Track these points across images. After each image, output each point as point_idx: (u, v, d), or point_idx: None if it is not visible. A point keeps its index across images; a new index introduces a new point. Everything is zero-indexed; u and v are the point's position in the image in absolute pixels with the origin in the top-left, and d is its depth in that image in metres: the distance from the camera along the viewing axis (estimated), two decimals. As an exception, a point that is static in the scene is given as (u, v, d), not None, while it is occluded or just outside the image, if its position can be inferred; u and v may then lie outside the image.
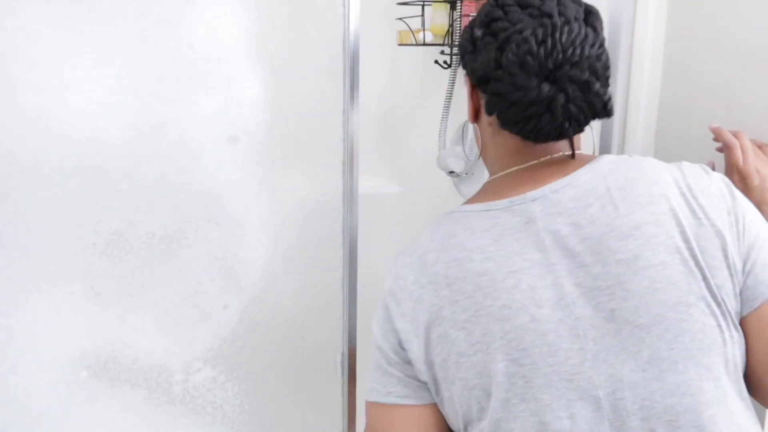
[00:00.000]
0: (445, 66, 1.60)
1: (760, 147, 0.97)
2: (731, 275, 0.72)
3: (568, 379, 0.70)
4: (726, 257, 0.72)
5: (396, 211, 1.82)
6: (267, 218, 1.24)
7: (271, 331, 1.29)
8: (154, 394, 1.22)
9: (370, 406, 0.82)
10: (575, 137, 0.81)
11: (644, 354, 0.69)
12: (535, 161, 0.80)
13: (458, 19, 1.50)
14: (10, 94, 1.03)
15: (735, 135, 0.96)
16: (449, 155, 1.46)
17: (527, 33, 0.73)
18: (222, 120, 1.17)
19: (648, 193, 0.74)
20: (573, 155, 0.80)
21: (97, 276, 1.14)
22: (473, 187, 1.04)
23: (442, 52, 1.63)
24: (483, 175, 1.17)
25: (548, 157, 0.80)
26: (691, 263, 0.71)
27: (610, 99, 0.76)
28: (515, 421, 0.71)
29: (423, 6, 1.52)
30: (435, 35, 1.54)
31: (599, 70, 0.74)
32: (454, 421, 0.77)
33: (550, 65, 0.72)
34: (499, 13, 0.77)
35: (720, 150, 0.99)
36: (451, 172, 1.47)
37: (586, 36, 0.74)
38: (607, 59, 0.77)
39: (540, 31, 0.73)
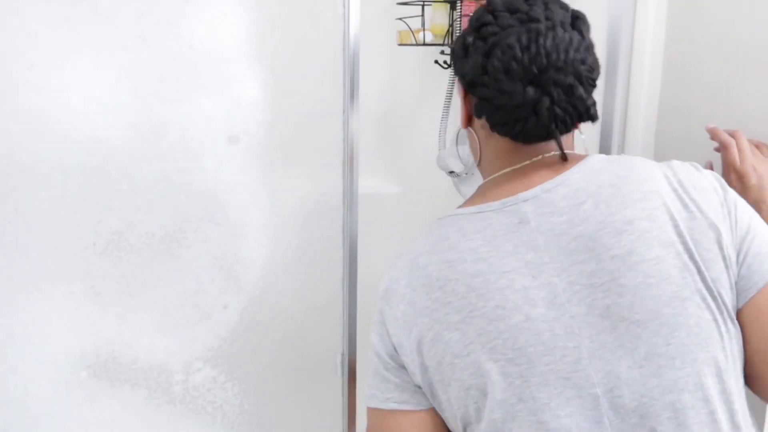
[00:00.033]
0: (445, 66, 1.60)
1: (757, 146, 0.97)
2: (727, 267, 0.72)
3: (565, 377, 0.70)
4: (721, 249, 0.72)
5: (396, 211, 1.82)
6: (267, 218, 1.24)
7: (271, 331, 1.29)
8: (154, 394, 1.22)
9: (370, 411, 0.83)
10: (565, 138, 0.82)
11: (641, 350, 0.69)
12: (527, 162, 0.81)
13: (458, 19, 1.50)
14: (10, 94, 1.03)
15: (732, 134, 0.97)
16: (449, 155, 1.46)
17: (512, 39, 0.75)
18: (222, 120, 1.17)
19: (640, 190, 0.74)
20: (563, 155, 0.80)
21: (97, 276, 1.14)
22: (473, 187, 1.04)
23: (442, 52, 1.63)
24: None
25: (540, 157, 0.81)
26: (686, 257, 0.71)
27: (594, 103, 0.78)
28: (513, 422, 0.71)
29: (423, 6, 1.52)
30: (435, 35, 1.54)
31: (583, 73, 0.76)
32: (453, 424, 0.78)
33: (534, 70, 0.74)
34: (489, 18, 0.79)
35: (718, 150, 1.00)
36: (451, 172, 1.47)
37: (571, 40, 0.75)
38: (594, 62, 0.78)
39: (525, 37, 0.74)
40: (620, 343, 0.70)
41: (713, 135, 0.99)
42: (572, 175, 0.77)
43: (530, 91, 0.74)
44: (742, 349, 0.73)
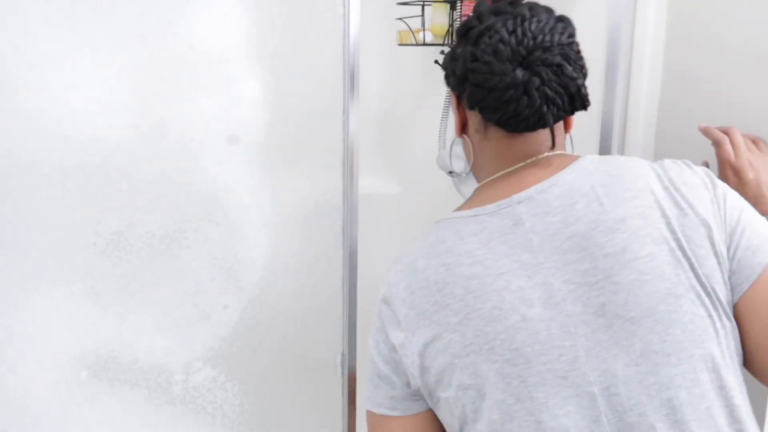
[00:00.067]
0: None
1: (754, 141, 0.97)
2: (719, 263, 0.72)
3: (562, 376, 0.70)
4: (713, 245, 0.72)
5: (396, 211, 1.82)
6: (267, 218, 1.24)
7: (271, 331, 1.29)
8: (154, 394, 1.23)
9: (368, 413, 0.85)
10: (557, 134, 0.83)
11: (636, 348, 0.69)
12: (521, 164, 0.82)
13: (458, 19, 1.50)
14: (10, 94, 1.03)
15: (726, 131, 0.97)
16: (449, 155, 1.46)
17: (498, 25, 0.77)
18: (222, 120, 1.17)
19: (632, 188, 0.75)
20: (553, 144, 0.82)
21: (97, 276, 1.14)
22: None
23: (442, 52, 1.62)
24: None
25: (533, 158, 0.82)
26: (678, 253, 0.72)
27: (585, 87, 0.79)
28: (512, 422, 0.71)
29: (423, 6, 1.52)
30: (435, 35, 1.54)
31: (571, 55, 0.78)
32: (450, 423, 0.78)
33: (523, 51, 0.76)
34: (474, 21, 0.81)
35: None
36: (451, 172, 1.46)
37: (555, 25, 0.78)
38: (579, 53, 0.80)
39: (510, 23, 0.77)
40: (615, 341, 0.70)
41: (705, 134, 0.99)
42: (566, 175, 0.78)
43: (519, 72, 0.76)
44: (739, 345, 0.73)
